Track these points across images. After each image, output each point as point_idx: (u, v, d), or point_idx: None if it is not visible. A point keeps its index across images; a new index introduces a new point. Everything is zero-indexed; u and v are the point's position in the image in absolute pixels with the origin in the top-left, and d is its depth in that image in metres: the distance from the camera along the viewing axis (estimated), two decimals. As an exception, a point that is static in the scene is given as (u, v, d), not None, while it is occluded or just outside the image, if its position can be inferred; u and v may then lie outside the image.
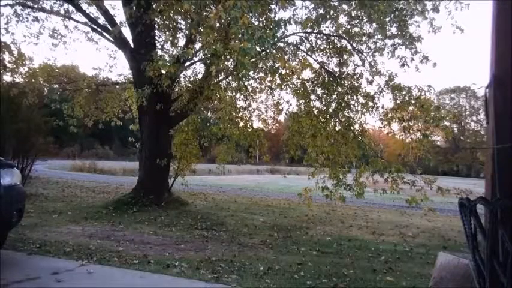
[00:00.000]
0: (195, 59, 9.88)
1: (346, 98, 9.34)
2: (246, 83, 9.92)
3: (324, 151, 9.33)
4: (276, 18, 8.25)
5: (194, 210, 9.53)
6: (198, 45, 8.78)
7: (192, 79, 10.50)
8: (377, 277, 4.82)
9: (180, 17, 8.62)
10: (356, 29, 9.27)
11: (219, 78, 9.65)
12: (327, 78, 9.67)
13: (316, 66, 9.94)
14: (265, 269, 4.85)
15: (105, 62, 31.51)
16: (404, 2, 8.76)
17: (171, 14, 8.11)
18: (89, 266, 4.52)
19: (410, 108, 8.99)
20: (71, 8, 10.37)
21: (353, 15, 9.17)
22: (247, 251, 5.79)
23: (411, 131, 9.08)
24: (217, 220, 8.40)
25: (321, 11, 9.04)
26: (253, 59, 7.87)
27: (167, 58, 7.98)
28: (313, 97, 10.00)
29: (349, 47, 9.48)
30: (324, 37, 9.74)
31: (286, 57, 9.65)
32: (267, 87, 10.73)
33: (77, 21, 10.94)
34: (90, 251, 5.17)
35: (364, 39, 9.17)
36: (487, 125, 2.49)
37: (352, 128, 9.38)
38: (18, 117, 10.65)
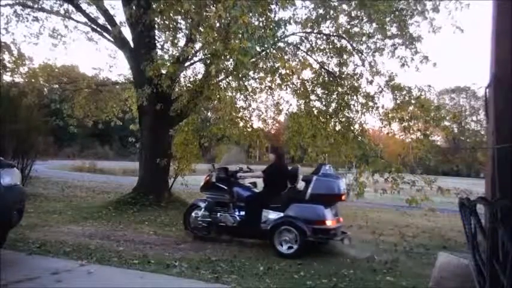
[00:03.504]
0: (195, 59, 9.88)
1: (346, 98, 9.34)
2: (246, 83, 9.91)
3: (324, 151, 9.34)
4: (276, 18, 8.25)
5: (194, 210, 9.51)
6: (198, 45, 8.78)
7: (192, 79, 10.48)
8: (377, 277, 4.82)
9: (180, 17, 8.60)
10: (356, 29, 9.27)
11: (219, 78, 9.63)
12: (327, 78, 9.67)
13: (316, 66, 9.95)
14: (265, 269, 4.85)
15: (105, 62, 31.49)
16: (404, 2, 8.77)
17: (171, 14, 8.09)
18: (89, 266, 4.52)
19: (410, 108, 8.99)
20: (71, 8, 10.35)
21: (353, 15, 9.16)
22: (247, 251, 5.79)
23: (411, 131, 9.08)
24: (217, 220, 8.38)
25: (321, 11, 9.04)
26: (253, 59, 7.88)
27: (167, 58, 7.97)
28: (313, 97, 10.01)
29: (349, 47, 9.47)
30: (324, 37, 9.73)
31: (286, 57, 9.65)
32: (267, 87, 10.73)
33: (77, 21, 10.92)
34: (90, 251, 5.17)
35: (364, 39, 9.17)
36: (487, 125, 2.50)
37: (352, 128, 9.38)
38: (18, 117, 10.63)
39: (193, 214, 6.53)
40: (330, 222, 5.70)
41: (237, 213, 6.20)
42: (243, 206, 6.19)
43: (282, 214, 5.84)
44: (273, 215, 5.91)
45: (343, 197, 6.01)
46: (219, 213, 6.26)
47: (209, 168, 7.00)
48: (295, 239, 5.57)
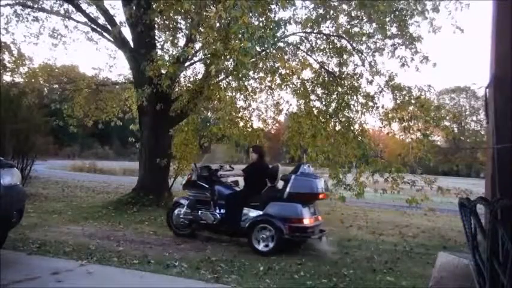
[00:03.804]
0: (195, 59, 9.88)
1: (346, 98, 9.33)
2: (246, 83, 9.91)
3: (324, 151, 9.33)
4: (276, 18, 8.25)
5: (194, 210, 9.50)
6: (198, 45, 8.78)
7: (192, 79, 10.49)
8: (377, 277, 4.83)
9: (180, 17, 8.61)
10: (356, 29, 9.27)
11: (219, 78, 9.64)
12: (327, 78, 9.67)
13: (316, 66, 9.94)
14: (265, 269, 4.85)
15: (105, 62, 31.39)
16: (404, 2, 8.76)
17: (171, 14, 8.10)
18: (89, 266, 4.52)
19: (410, 108, 8.99)
20: (71, 8, 10.36)
21: (353, 15, 9.16)
22: (247, 251, 5.79)
23: (411, 131, 9.08)
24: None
25: (321, 11, 9.04)
26: (253, 59, 7.88)
27: (167, 58, 7.97)
28: (313, 97, 10.00)
29: (349, 47, 9.47)
30: (324, 37, 9.73)
31: (286, 57, 9.65)
32: (267, 87, 10.73)
33: (77, 21, 10.93)
34: (90, 251, 5.17)
35: (364, 39, 9.16)
36: (487, 125, 2.50)
37: (352, 128, 9.37)
38: (18, 117, 10.63)
39: (175, 212, 6.61)
40: (307, 221, 5.76)
41: (217, 211, 6.28)
42: (223, 204, 6.26)
43: (261, 212, 5.91)
44: (253, 213, 5.99)
45: (320, 196, 6.05)
46: (200, 211, 6.33)
47: (191, 167, 7.09)
48: (272, 236, 5.65)
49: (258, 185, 6.26)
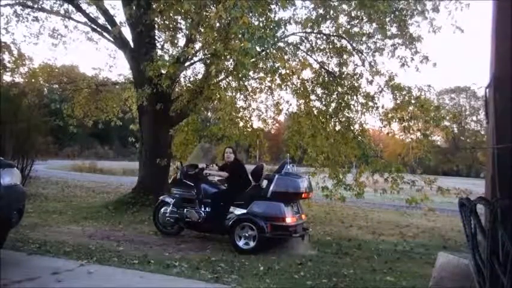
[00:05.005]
0: (195, 59, 9.87)
1: (346, 98, 9.33)
2: (246, 83, 9.90)
3: (324, 151, 9.33)
4: (276, 18, 8.25)
5: (194, 210, 9.50)
6: (198, 45, 8.78)
7: (192, 79, 10.47)
8: (377, 277, 4.82)
9: (180, 17, 8.61)
10: (356, 29, 9.26)
11: (219, 78, 9.63)
12: (327, 78, 9.66)
13: (316, 66, 9.94)
14: (265, 269, 4.86)
15: (105, 62, 31.34)
16: (404, 2, 8.76)
17: (171, 14, 8.10)
18: (89, 266, 4.52)
19: (410, 108, 8.98)
20: (71, 8, 10.36)
21: (353, 15, 9.15)
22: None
23: (411, 131, 9.07)
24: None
25: (321, 11, 9.02)
26: (253, 59, 7.88)
27: (167, 58, 7.97)
28: (313, 97, 9.99)
29: (349, 47, 9.46)
30: (324, 37, 9.72)
31: (286, 57, 9.64)
32: (267, 87, 10.72)
33: (77, 21, 10.93)
34: (90, 251, 5.18)
35: (364, 39, 9.16)
36: (487, 125, 2.50)
37: (352, 128, 9.37)
38: (18, 117, 10.63)
39: (162, 210, 6.65)
40: (289, 220, 5.81)
41: (202, 209, 6.35)
42: (208, 203, 6.33)
43: (245, 211, 5.96)
44: (237, 212, 6.05)
45: (304, 195, 6.09)
46: (185, 209, 6.38)
47: (177, 165, 7.18)
48: (255, 235, 5.71)
49: (241, 184, 6.33)
